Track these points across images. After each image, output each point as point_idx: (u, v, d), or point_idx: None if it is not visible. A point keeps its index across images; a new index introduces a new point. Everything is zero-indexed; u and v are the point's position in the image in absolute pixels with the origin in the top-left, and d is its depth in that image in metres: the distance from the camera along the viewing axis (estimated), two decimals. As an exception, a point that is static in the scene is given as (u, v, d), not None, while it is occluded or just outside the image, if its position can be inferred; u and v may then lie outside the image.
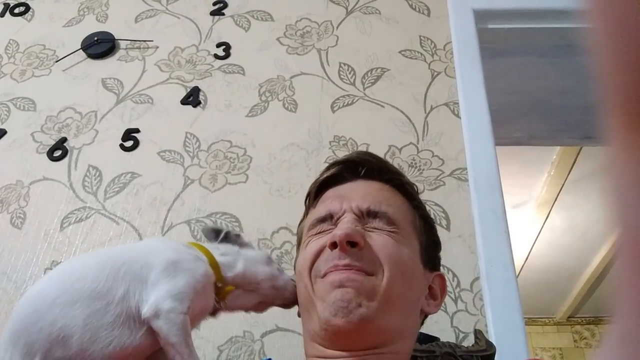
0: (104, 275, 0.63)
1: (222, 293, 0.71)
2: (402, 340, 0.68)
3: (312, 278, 0.69)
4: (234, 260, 0.73)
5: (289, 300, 0.76)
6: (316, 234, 0.73)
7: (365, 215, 0.72)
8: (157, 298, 0.62)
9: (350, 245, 0.67)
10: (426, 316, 0.76)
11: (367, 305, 0.64)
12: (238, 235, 0.76)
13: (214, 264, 0.70)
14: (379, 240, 0.69)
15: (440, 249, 0.81)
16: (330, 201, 0.75)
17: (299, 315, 0.77)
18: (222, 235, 0.75)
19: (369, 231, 0.70)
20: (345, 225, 0.69)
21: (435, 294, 0.75)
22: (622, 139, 0.21)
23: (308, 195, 0.81)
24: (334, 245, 0.68)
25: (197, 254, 0.70)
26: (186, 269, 0.66)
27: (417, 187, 0.84)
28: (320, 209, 0.75)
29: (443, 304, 1.13)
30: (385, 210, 0.72)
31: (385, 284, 0.66)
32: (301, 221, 0.82)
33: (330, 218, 0.73)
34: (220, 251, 0.73)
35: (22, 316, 0.62)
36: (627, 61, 0.20)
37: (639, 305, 0.20)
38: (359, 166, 0.78)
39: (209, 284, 0.69)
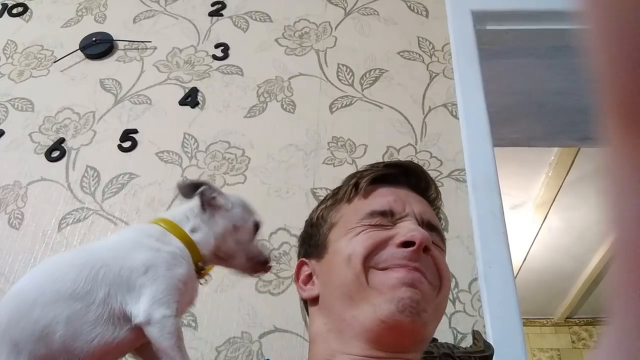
0: (83, 277, 0.64)
1: (203, 273, 0.73)
2: (423, 348, 0.72)
3: (366, 268, 0.67)
4: (206, 236, 0.73)
5: (260, 269, 0.78)
6: (374, 225, 0.71)
7: (426, 225, 0.72)
8: (147, 306, 0.63)
9: (424, 250, 0.68)
10: None
11: (427, 312, 0.65)
12: (213, 197, 0.75)
13: (190, 245, 0.71)
14: (438, 254, 0.71)
15: None
16: (392, 199, 0.74)
17: (312, 303, 0.75)
18: (198, 192, 0.74)
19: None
20: (421, 230, 0.68)
21: None
22: (617, 139, 0.21)
23: (354, 186, 0.77)
24: (406, 244, 0.67)
25: (173, 245, 0.69)
26: (166, 271, 0.66)
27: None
28: (380, 202, 0.73)
29: (441, 305, 1.13)
30: (439, 227, 0.75)
31: (440, 299, 0.68)
32: (331, 207, 0.79)
33: (391, 215, 0.72)
34: (191, 225, 0.73)
35: (6, 315, 0.63)
36: (622, 62, 0.20)
37: (634, 306, 0.20)
38: (412, 176, 0.79)
39: (191, 279, 0.70)
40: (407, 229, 0.68)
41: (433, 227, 0.73)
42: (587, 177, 3.25)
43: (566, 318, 4.69)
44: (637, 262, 0.20)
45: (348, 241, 0.70)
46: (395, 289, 0.64)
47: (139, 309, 0.63)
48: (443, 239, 0.75)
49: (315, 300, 0.73)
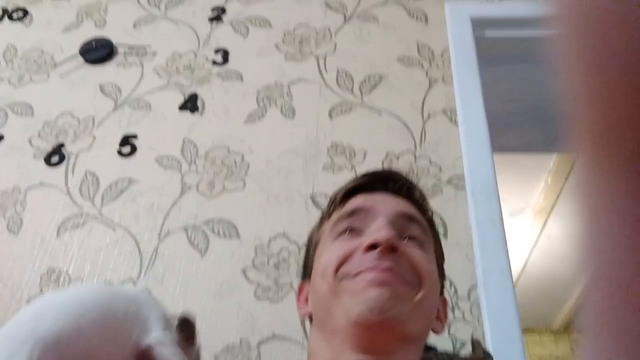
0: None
1: None
2: (417, 350, 0.69)
3: (338, 279, 0.67)
4: None
5: None
6: (343, 232, 0.71)
7: (401, 219, 0.71)
8: None
9: (391, 249, 0.67)
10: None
11: (402, 308, 0.64)
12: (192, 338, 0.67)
13: None
14: (415, 253, 0.69)
15: (444, 277, 0.81)
16: (361, 200, 0.74)
17: (305, 318, 0.76)
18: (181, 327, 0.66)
19: (404, 239, 0.70)
20: (386, 229, 0.67)
21: (440, 315, 0.76)
22: (589, 160, 0.20)
23: (332, 200, 0.79)
24: (371, 247, 0.66)
25: None
26: None
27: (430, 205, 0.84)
28: (350, 206, 0.74)
29: (440, 312, 1.13)
30: (418, 218, 0.73)
31: (420, 297, 0.66)
32: (317, 227, 0.80)
33: (359, 213, 0.72)
34: None
35: None
36: (594, 77, 0.19)
37: (607, 328, 0.20)
38: (389, 181, 0.78)
39: None
40: (373, 231, 0.68)
41: (411, 218, 0.72)
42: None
43: (566, 326, 4.68)
44: (608, 287, 0.20)
45: (324, 257, 0.71)
46: (365, 291, 0.64)
47: None
48: (426, 230, 0.73)
49: (311, 318, 0.74)
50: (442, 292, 0.77)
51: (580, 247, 0.21)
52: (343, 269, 0.67)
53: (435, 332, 0.74)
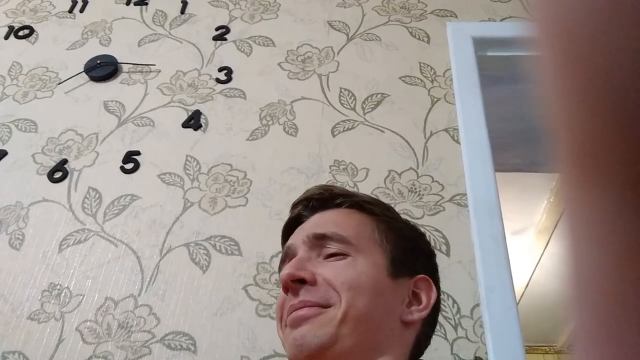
0: None
1: None
2: (380, 356, 0.68)
3: (283, 327, 0.70)
4: None
5: None
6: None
7: (314, 240, 0.73)
8: None
9: (300, 282, 0.69)
10: (409, 323, 0.73)
11: (323, 334, 0.65)
12: None
13: None
14: (330, 269, 0.70)
15: (422, 253, 0.79)
16: (288, 243, 0.77)
17: None
18: None
19: (324, 260, 0.71)
20: (290, 265, 0.70)
21: (419, 298, 0.73)
22: (574, 188, 0.19)
23: (282, 242, 0.83)
24: (285, 289, 0.70)
25: None
26: None
27: (374, 199, 0.84)
28: (284, 248, 0.78)
29: (442, 330, 1.12)
30: (333, 231, 0.73)
31: (342, 311, 0.66)
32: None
33: (288, 256, 0.75)
34: None
35: None
36: (578, 97, 0.18)
37: (592, 353, 0.20)
38: (311, 202, 0.80)
39: None
40: (282, 272, 0.71)
41: (322, 236, 0.73)
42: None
43: (569, 345, 4.64)
44: (591, 319, 0.20)
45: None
46: (289, 336, 0.67)
47: None
48: (342, 238, 0.72)
49: None
50: (411, 273, 0.74)
51: (564, 270, 0.21)
52: (282, 321, 0.71)
53: (412, 319, 0.71)
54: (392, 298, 0.71)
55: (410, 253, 0.76)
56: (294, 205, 0.82)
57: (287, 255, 0.75)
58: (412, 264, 0.75)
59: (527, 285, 4.03)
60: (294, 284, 0.68)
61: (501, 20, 1.71)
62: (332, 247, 0.72)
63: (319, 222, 0.76)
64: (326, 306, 0.67)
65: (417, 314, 0.72)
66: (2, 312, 1.21)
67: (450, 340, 1.12)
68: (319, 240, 0.73)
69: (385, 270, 0.72)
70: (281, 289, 0.71)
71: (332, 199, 0.79)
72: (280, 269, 0.76)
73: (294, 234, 0.77)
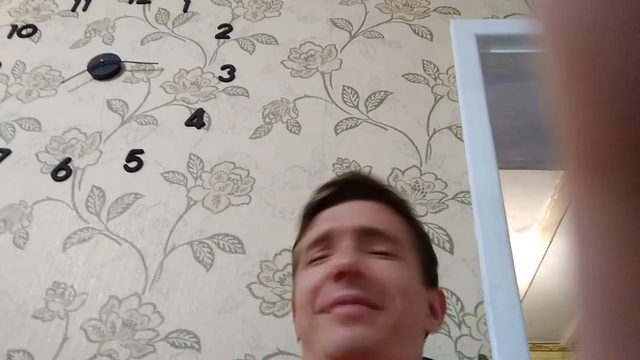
0: None
1: None
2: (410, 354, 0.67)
3: (315, 313, 0.67)
4: None
5: None
6: (313, 260, 0.71)
7: (365, 234, 0.70)
8: None
9: (356, 274, 0.65)
10: (427, 334, 0.75)
11: (379, 338, 0.63)
12: None
13: None
14: (382, 266, 0.67)
15: (437, 265, 0.79)
16: (328, 222, 0.73)
17: (298, 340, 0.75)
18: None
19: (371, 255, 0.68)
20: (349, 254, 0.67)
21: (436, 311, 0.73)
22: (582, 190, 0.19)
23: (304, 217, 0.79)
24: (339, 276, 0.66)
25: None
26: None
27: (409, 202, 0.82)
28: (318, 230, 0.73)
29: (446, 328, 1.12)
30: (385, 228, 0.71)
31: (395, 316, 0.64)
32: (296, 243, 0.80)
33: (328, 238, 0.71)
34: None
35: None
36: (584, 96, 0.18)
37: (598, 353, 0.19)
38: (353, 186, 0.77)
39: None
40: (338, 257, 0.67)
41: (374, 231, 0.70)
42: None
43: (573, 343, 4.63)
44: (595, 318, 0.20)
45: (300, 287, 0.71)
46: (336, 330, 0.63)
47: None
48: (393, 238, 0.70)
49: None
50: (433, 285, 0.74)
51: (569, 268, 0.21)
52: (318, 302, 0.67)
53: (430, 330, 0.71)
54: (424, 307, 0.71)
55: (433, 264, 0.76)
56: (330, 185, 0.78)
57: (327, 239, 0.71)
58: (434, 274, 0.76)
59: (531, 283, 4.03)
60: (352, 276, 0.65)
61: (504, 17, 1.70)
62: (383, 245, 0.69)
63: (364, 212, 0.73)
64: (379, 308, 0.64)
65: (436, 326, 0.72)
66: (7, 311, 1.21)
67: (454, 338, 1.12)
68: (369, 235, 0.70)
69: (419, 277, 0.71)
70: (320, 272, 0.67)
71: (376, 192, 0.77)
72: (309, 247, 0.72)
73: (332, 217, 0.73)
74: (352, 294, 0.64)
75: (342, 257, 0.67)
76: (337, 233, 0.70)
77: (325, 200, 0.76)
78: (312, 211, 0.77)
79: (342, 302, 0.64)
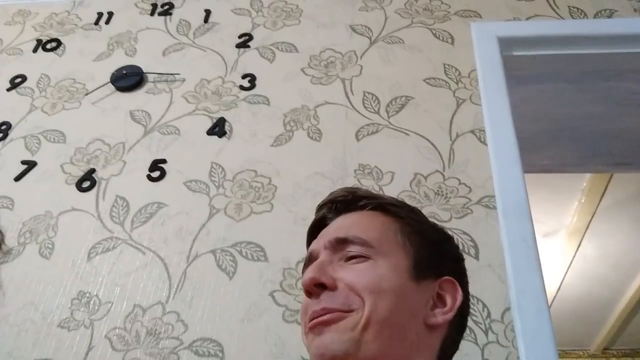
0: None
1: None
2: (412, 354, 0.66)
3: (306, 331, 0.70)
4: None
5: None
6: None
7: (336, 244, 0.72)
8: None
9: (321, 286, 0.68)
10: (433, 327, 0.71)
11: (346, 340, 0.64)
12: None
13: None
14: (350, 272, 0.69)
15: (447, 256, 0.77)
16: (312, 245, 0.76)
17: None
18: None
19: (347, 262, 0.70)
20: (311, 269, 0.70)
21: (443, 301, 0.72)
22: None
23: (306, 243, 0.83)
24: (308, 294, 0.69)
25: None
26: None
27: (400, 201, 0.82)
28: (306, 255, 0.77)
29: (473, 335, 1.10)
30: (353, 234, 0.72)
31: (365, 315, 0.65)
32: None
33: (310, 261, 0.74)
34: None
35: None
36: None
37: None
38: (335, 204, 0.80)
39: None
40: (303, 276, 0.71)
41: (343, 240, 0.72)
42: (621, 203, 3.17)
43: (603, 349, 4.54)
44: None
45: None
46: (312, 342, 0.67)
47: None
48: (364, 241, 0.71)
49: None
50: (433, 276, 0.72)
51: None
52: (306, 322, 0.70)
53: (436, 322, 0.69)
54: (415, 301, 0.69)
55: (434, 255, 0.75)
56: (319, 208, 0.82)
57: (310, 260, 0.75)
58: (436, 266, 0.74)
59: (559, 289, 3.96)
60: (316, 288, 0.68)
61: (527, 19, 1.68)
62: (353, 250, 0.71)
63: (341, 225, 0.76)
64: (348, 311, 0.66)
65: (442, 316, 0.70)
66: (33, 321, 1.23)
67: (480, 345, 1.10)
68: (340, 244, 0.72)
69: (407, 272, 0.70)
70: (304, 294, 0.71)
71: (356, 201, 0.79)
72: (303, 272, 0.75)
73: (317, 238, 0.77)
74: (317, 308, 0.67)
75: (305, 275, 0.70)
76: (316, 253, 0.74)
77: (317, 226, 0.80)
78: (310, 234, 0.82)
79: (312, 317, 0.68)
